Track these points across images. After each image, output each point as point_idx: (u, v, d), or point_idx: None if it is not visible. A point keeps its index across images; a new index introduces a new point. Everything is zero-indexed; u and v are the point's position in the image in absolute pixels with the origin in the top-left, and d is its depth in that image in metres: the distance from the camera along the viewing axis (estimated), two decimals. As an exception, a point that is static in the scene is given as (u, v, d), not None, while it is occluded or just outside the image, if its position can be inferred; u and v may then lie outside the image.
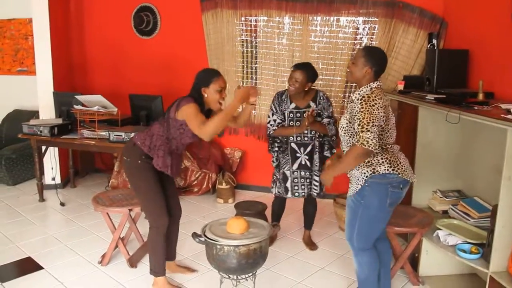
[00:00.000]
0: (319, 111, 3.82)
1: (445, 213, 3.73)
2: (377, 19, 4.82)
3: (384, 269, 3.04)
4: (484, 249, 3.03)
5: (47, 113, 5.45)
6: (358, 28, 4.93)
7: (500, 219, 2.77)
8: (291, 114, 3.84)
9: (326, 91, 5.06)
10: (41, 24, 5.32)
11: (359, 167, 2.75)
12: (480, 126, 3.18)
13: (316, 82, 5.00)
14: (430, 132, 3.73)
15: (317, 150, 3.85)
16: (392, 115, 2.82)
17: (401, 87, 4.06)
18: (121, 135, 4.56)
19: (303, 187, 3.89)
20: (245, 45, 5.32)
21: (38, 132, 4.89)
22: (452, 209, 3.63)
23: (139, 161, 3.12)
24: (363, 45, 4.90)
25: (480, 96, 3.33)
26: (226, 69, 5.43)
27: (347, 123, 2.78)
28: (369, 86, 2.73)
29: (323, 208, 4.87)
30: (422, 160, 3.76)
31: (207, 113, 3.13)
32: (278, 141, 3.92)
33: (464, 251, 3.11)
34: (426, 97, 3.54)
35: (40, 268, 3.70)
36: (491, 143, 3.41)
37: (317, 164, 3.85)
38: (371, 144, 2.56)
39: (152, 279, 3.34)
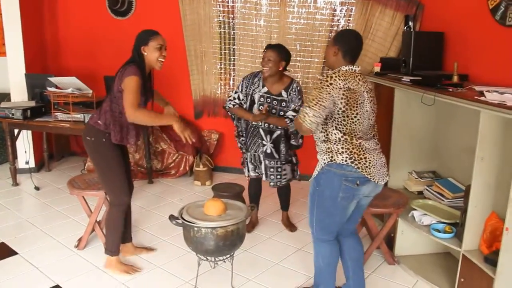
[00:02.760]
0: (285, 102, 3.71)
1: (420, 193, 3.79)
2: (354, 1, 4.81)
3: (353, 266, 2.92)
4: (457, 228, 3.10)
5: (19, 95, 5.31)
6: (335, 10, 4.91)
7: (472, 199, 2.83)
8: (261, 98, 3.74)
9: (303, 72, 5.09)
10: (10, 2, 5.14)
11: (320, 153, 2.67)
12: (454, 107, 3.23)
13: (294, 63, 4.99)
14: (405, 114, 3.76)
15: (282, 139, 3.79)
16: (369, 103, 2.63)
17: (377, 69, 4.09)
18: (96, 118, 4.49)
19: (272, 177, 3.86)
20: (222, 26, 5.26)
21: (10, 115, 4.76)
22: (427, 189, 3.69)
23: (104, 139, 3.14)
24: (340, 27, 4.90)
25: (455, 78, 3.36)
26: (203, 51, 5.38)
27: None
28: (339, 69, 2.61)
29: (301, 189, 4.90)
30: (397, 141, 3.80)
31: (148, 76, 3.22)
32: (239, 127, 3.92)
33: (438, 231, 3.17)
34: (402, 79, 3.57)
35: (15, 253, 3.64)
36: (465, 125, 3.47)
37: (284, 153, 3.81)
38: (306, 120, 2.47)
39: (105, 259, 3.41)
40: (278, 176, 3.86)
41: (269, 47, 3.68)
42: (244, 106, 3.81)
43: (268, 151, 3.80)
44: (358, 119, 2.58)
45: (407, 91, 3.46)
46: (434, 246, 3.61)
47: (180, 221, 2.96)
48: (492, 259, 2.71)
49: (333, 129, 2.58)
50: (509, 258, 2.60)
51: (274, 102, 3.73)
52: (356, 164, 2.55)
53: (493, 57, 3.37)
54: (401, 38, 4.28)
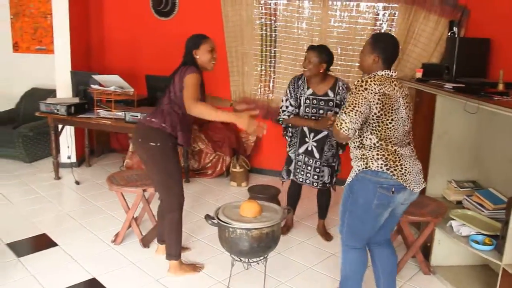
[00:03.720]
0: (338, 102, 3.68)
1: (459, 203, 3.70)
2: (397, 6, 4.74)
3: (386, 278, 2.85)
4: (498, 241, 3.01)
5: (64, 92, 5.50)
6: (378, 14, 4.86)
7: (515, 211, 2.75)
8: (307, 100, 3.71)
9: (343, 77, 5.04)
10: (60, 3, 5.34)
11: (355, 160, 2.63)
12: (498, 116, 3.14)
13: (334, 67, 4.94)
14: (447, 121, 3.68)
15: (328, 140, 3.74)
16: (405, 109, 2.58)
17: (419, 75, 4.01)
18: (137, 116, 4.57)
19: (302, 173, 3.81)
20: (264, 28, 5.28)
21: (55, 111, 4.93)
22: (466, 199, 3.60)
23: (171, 143, 3.13)
24: (382, 31, 4.84)
25: (500, 86, 3.27)
26: (244, 52, 5.42)
27: None
28: (375, 73, 2.58)
29: (337, 193, 4.84)
30: (438, 149, 3.72)
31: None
32: (291, 127, 3.87)
33: (477, 242, 3.09)
34: (445, 86, 3.50)
35: (55, 244, 3.76)
36: (509, 135, 3.36)
37: (326, 155, 3.76)
38: (343, 127, 2.47)
39: (166, 265, 3.39)
40: (315, 177, 3.79)
41: (311, 48, 3.65)
42: (301, 112, 3.77)
43: (309, 148, 3.77)
44: (393, 125, 2.53)
45: (450, 98, 3.39)
46: (472, 258, 3.52)
47: (215, 221, 2.98)
48: (534, 275, 2.63)
49: (369, 134, 2.55)
50: (552, 274, 2.51)
51: (320, 102, 3.70)
52: (391, 171, 2.50)
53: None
54: (445, 44, 4.20)
